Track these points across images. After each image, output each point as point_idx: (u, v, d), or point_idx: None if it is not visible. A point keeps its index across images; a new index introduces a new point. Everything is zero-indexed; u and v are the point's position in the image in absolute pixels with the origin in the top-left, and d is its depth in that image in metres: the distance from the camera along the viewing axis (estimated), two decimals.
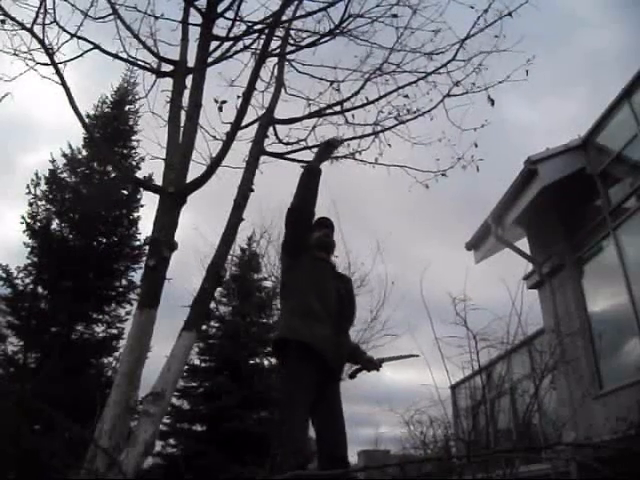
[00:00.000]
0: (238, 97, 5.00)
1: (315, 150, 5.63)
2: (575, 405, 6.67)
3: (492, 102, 5.55)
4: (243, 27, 5.58)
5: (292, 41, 5.95)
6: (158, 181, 4.62)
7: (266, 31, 5.11)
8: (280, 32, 5.70)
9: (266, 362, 13.22)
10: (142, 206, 11.85)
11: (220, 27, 5.41)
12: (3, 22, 4.87)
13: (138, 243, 11.67)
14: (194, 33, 5.26)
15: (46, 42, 4.77)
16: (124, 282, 11.45)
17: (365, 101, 5.80)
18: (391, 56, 5.81)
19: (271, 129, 5.48)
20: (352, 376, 3.23)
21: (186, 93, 4.94)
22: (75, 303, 10.12)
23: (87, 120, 6.41)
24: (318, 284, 3.01)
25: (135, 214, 11.89)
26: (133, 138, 12.57)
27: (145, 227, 11.79)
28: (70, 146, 11.90)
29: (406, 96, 5.79)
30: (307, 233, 3.11)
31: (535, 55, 5.39)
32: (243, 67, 5.78)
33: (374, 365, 3.19)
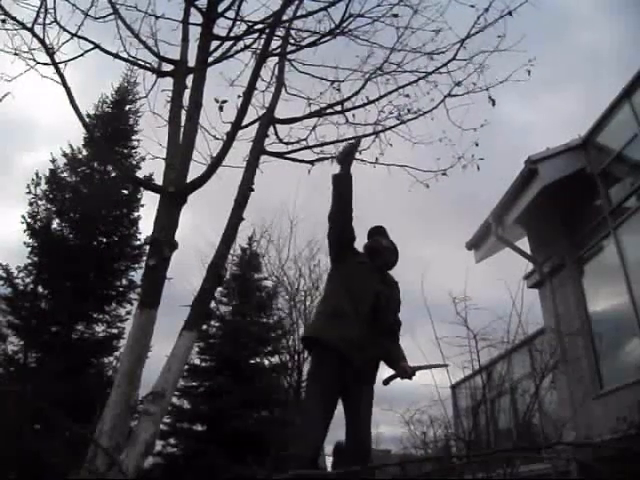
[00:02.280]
0: (238, 97, 5.00)
1: (316, 150, 5.69)
2: (575, 405, 6.67)
3: (493, 102, 5.53)
4: (244, 27, 5.58)
5: (293, 41, 5.94)
6: (158, 181, 4.62)
7: (267, 31, 5.11)
8: (281, 32, 5.69)
9: (266, 362, 13.24)
10: (142, 206, 11.84)
11: (221, 27, 5.42)
12: (4, 22, 4.87)
13: (138, 243, 11.66)
14: (195, 33, 5.27)
15: (47, 42, 4.77)
16: (124, 282, 11.45)
17: (366, 101, 5.79)
18: (392, 56, 5.79)
19: (271, 129, 5.47)
20: (386, 382, 3.19)
21: (186, 93, 4.94)
22: (75, 303, 10.12)
23: (87, 120, 6.40)
24: (353, 286, 3.06)
25: (135, 214, 11.89)
26: (133, 138, 12.56)
27: (145, 227, 11.79)
28: (70, 146, 11.91)
29: (407, 96, 5.78)
30: (347, 238, 3.18)
31: (536, 56, 5.38)
32: (244, 67, 5.77)
33: (406, 373, 3.16)
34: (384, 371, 3.24)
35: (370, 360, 3.06)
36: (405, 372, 3.15)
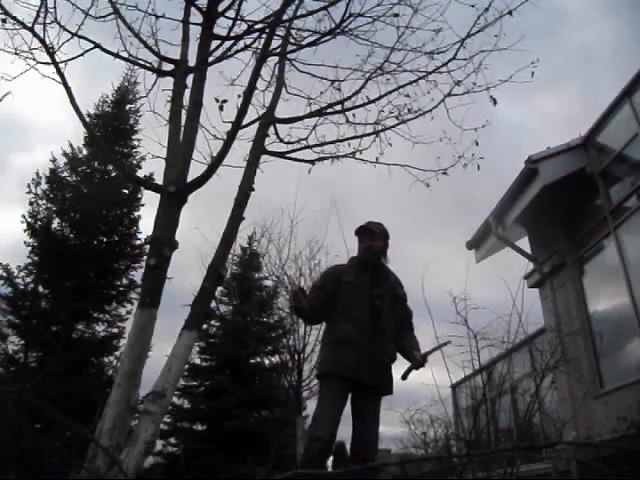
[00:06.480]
0: (239, 96, 4.98)
1: (316, 149, 5.70)
2: (576, 404, 6.67)
3: (494, 101, 5.52)
4: (244, 26, 5.55)
5: (293, 40, 5.92)
6: (159, 180, 4.60)
7: (267, 30, 5.10)
8: (281, 31, 5.69)
9: (266, 361, 13.23)
10: (142, 205, 11.89)
11: (221, 26, 5.39)
12: (4, 21, 4.85)
13: (139, 242, 11.69)
14: (195, 32, 5.25)
15: (47, 41, 4.75)
16: (125, 281, 11.48)
17: (366, 100, 5.78)
18: (392, 55, 5.76)
19: (272, 128, 5.47)
20: (403, 377, 3.24)
21: (187, 92, 4.94)
22: (76, 302, 10.13)
23: (88, 119, 6.40)
24: (347, 309, 3.18)
25: (136, 213, 11.92)
26: (134, 137, 12.61)
27: (146, 226, 11.81)
28: (71, 145, 11.92)
29: (407, 95, 5.77)
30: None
31: (537, 56, 5.36)
32: (244, 66, 5.75)
33: (418, 362, 3.22)
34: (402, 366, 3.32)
35: (380, 374, 3.20)
36: (417, 361, 3.21)
